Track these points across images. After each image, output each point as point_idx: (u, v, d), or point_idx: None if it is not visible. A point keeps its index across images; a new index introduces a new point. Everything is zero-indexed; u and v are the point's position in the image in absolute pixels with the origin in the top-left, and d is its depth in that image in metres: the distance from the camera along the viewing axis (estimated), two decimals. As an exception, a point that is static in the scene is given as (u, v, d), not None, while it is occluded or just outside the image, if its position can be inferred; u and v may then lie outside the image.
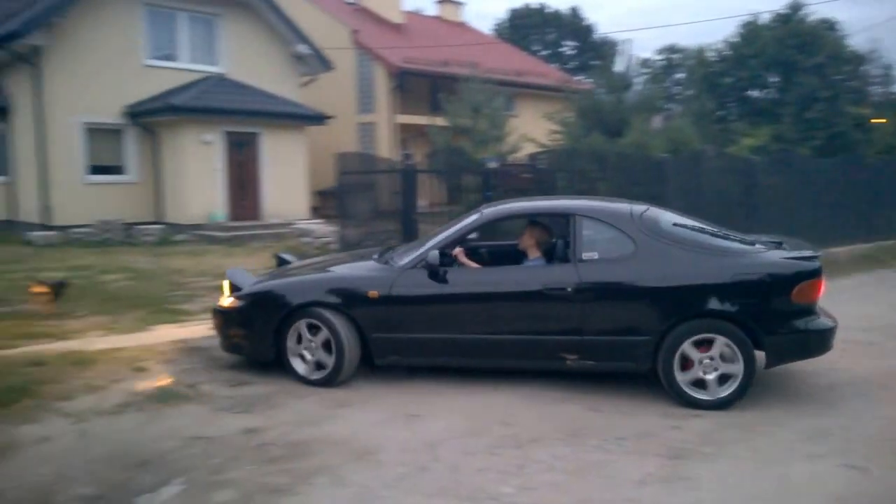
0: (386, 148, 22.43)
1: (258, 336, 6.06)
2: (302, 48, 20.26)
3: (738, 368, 5.28)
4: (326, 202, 19.74)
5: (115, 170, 17.93)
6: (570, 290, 5.45)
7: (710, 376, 5.33)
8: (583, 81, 29.55)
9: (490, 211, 6.27)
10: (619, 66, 14.21)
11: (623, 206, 5.93)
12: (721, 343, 5.28)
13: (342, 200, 10.86)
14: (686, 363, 5.35)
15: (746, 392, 5.35)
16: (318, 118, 19.22)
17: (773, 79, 34.90)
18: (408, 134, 23.61)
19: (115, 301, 9.45)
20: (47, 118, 16.79)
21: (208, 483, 4.14)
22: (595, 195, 9.85)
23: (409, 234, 8.83)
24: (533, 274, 5.81)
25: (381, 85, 23.11)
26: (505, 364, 5.88)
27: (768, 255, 5.49)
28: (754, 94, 36.49)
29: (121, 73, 17.45)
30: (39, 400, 5.36)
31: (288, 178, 18.42)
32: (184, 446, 4.63)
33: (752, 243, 5.72)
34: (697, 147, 12.87)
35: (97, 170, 17.57)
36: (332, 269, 6.53)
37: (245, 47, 19.62)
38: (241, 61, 19.46)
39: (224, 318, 6.31)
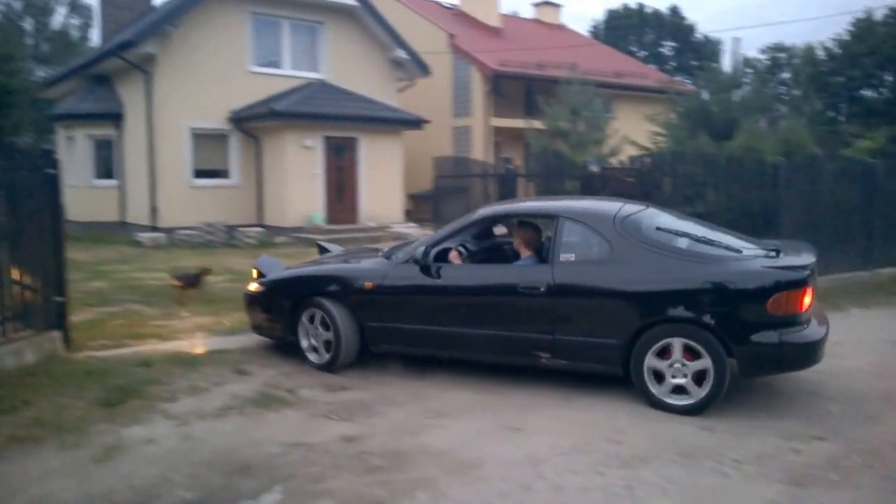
0: (480, 151, 22.29)
1: (276, 320, 6.68)
2: (400, 53, 20.40)
3: (708, 376, 5.21)
4: (420, 206, 19.77)
5: (219, 174, 18.54)
6: (542, 289, 5.58)
7: (681, 380, 5.31)
8: (684, 82, 28.57)
9: (483, 211, 6.67)
10: (726, 64, 13.55)
11: (609, 209, 5.92)
12: (695, 350, 5.24)
13: (438, 204, 10.77)
14: (657, 368, 5.35)
15: (718, 397, 5.25)
16: (415, 122, 19.29)
17: (889, 77, 32.74)
18: (502, 137, 23.41)
19: (219, 302, 9.65)
20: (156, 124, 17.53)
21: (308, 492, 4.06)
22: (703, 201, 9.40)
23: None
24: (512, 272, 5.95)
25: (477, 88, 23.00)
26: (483, 358, 6.11)
27: (746, 263, 5.34)
28: (867, 93, 34.32)
29: (227, 80, 18.03)
30: (145, 401, 5.46)
31: (384, 182, 18.55)
32: (284, 452, 4.58)
33: (740, 250, 5.52)
34: (812, 150, 12.11)
35: (202, 174, 18.21)
36: (344, 261, 7.00)
37: (345, 53, 19.93)
38: (342, 67, 19.77)
39: (250, 301, 7.01)
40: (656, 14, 52.79)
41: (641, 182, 9.48)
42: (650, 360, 5.34)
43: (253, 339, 7.41)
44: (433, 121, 21.32)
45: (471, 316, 5.97)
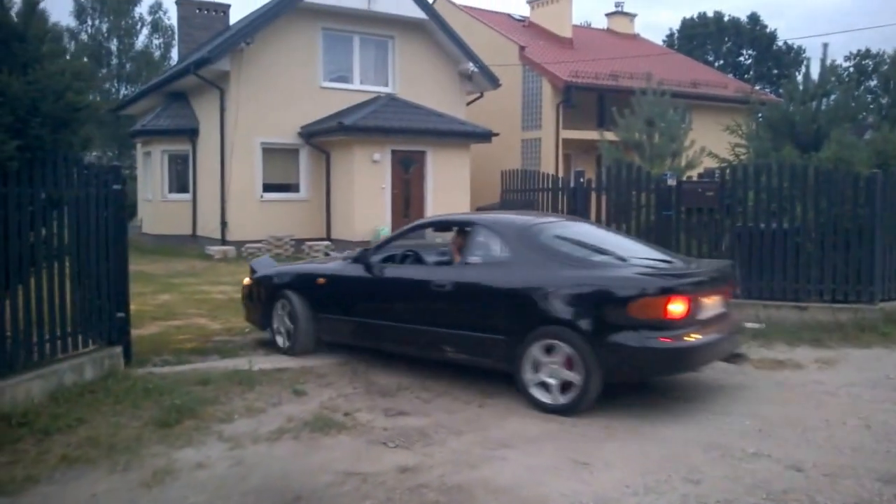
0: (550, 164, 21.87)
1: (257, 310, 7.82)
2: (470, 66, 20.25)
3: (578, 377, 5.41)
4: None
5: (288, 188, 18.72)
6: (448, 287, 6.12)
7: (553, 380, 5.52)
8: (766, 91, 27.48)
9: (419, 221, 7.54)
10: (812, 71, 12.80)
11: (519, 220, 6.52)
12: (564, 350, 5.46)
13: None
14: (536, 366, 5.61)
15: (584, 400, 5.41)
16: (484, 135, 19.05)
17: None
18: (574, 150, 22.92)
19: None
20: (228, 139, 17.83)
21: (359, 529, 3.80)
22: (789, 216, 8.80)
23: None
24: (429, 272, 6.53)
25: (547, 100, 22.60)
26: (407, 351, 6.70)
27: (619, 269, 5.66)
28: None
29: (298, 95, 18.22)
30: (201, 421, 5.33)
31: (451, 195, 18.34)
32: (337, 482, 4.33)
33: (625, 259, 5.84)
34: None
35: (271, 188, 18.42)
36: (317, 261, 8.22)
37: (414, 67, 19.90)
38: (411, 81, 19.74)
39: (244, 294, 8.21)
40: (734, 22, 51.20)
41: (721, 196, 8.95)
42: (533, 357, 5.63)
43: (314, 357, 7.26)
44: (502, 133, 21.04)
45: (396, 311, 6.63)
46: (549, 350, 5.56)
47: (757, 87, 31.72)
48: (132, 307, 10.55)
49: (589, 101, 22.86)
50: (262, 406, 5.73)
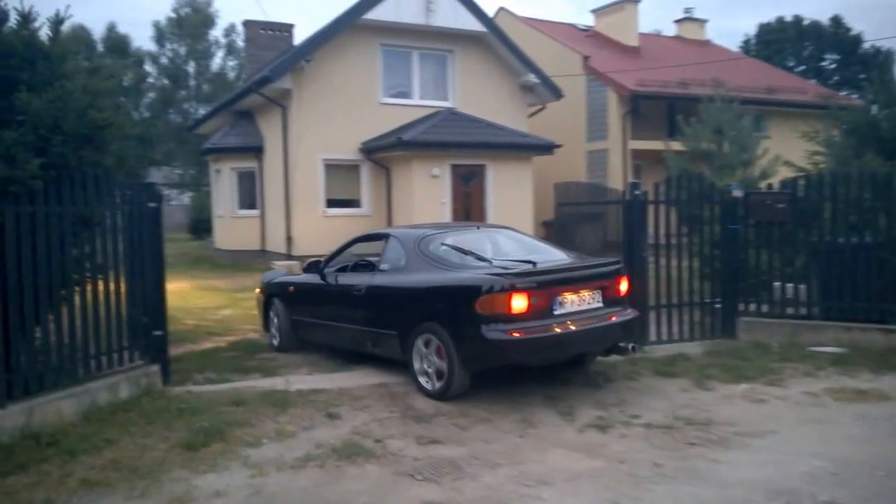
0: (618, 175, 21.22)
1: (262, 316, 9.09)
2: (531, 78, 19.86)
3: (445, 366, 6.12)
4: (551, 233, 18.98)
5: (350, 203, 18.70)
6: (364, 291, 7.12)
7: (431, 369, 6.29)
8: (849, 97, 26.11)
9: (354, 236, 8.23)
10: (898, 74, 11.90)
11: (418, 231, 7.31)
12: (436, 342, 6.21)
13: (560, 232, 10.00)
14: (421, 357, 6.40)
15: (452, 386, 6.09)
16: (546, 147, 18.61)
17: None
18: (642, 161, 22.19)
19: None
20: (291, 155, 17.97)
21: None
22: (872, 229, 8.09)
23: (634, 269, 7.78)
24: (356, 279, 7.40)
25: (613, 110, 21.99)
26: (346, 346, 7.66)
27: (471, 271, 6.30)
28: None
29: (358, 112, 18.21)
30: (228, 445, 5.14)
31: (513, 209, 17.93)
32: (356, 518, 4.05)
33: (490, 261, 6.46)
34: None
35: (334, 203, 18.43)
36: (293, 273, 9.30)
37: (474, 80, 19.66)
38: (470, 94, 19.51)
39: (256, 304, 9.49)
40: (815, 26, 49.10)
41: (795, 208, 8.30)
42: (419, 349, 6.42)
43: (353, 377, 7.04)
44: (566, 145, 20.54)
45: (335, 312, 7.67)
46: (427, 343, 6.35)
47: (842, 93, 30.18)
48: (193, 322, 10.80)
49: (658, 111, 22.14)
50: (293, 430, 5.51)
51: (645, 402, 6.18)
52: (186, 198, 42.70)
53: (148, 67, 47.41)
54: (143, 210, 6.17)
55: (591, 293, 6.29)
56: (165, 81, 47.30)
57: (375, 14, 17.99)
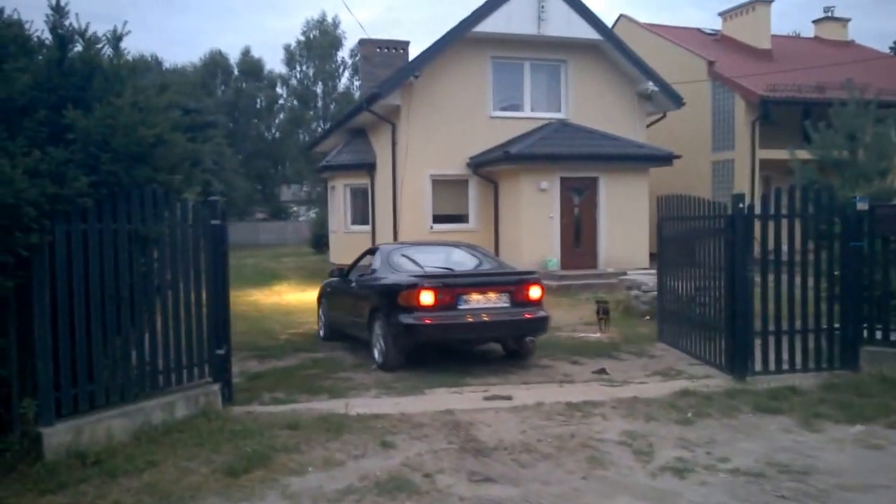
0: (745, 187, 19.77)
1: (317, 313, 11.05)
2: (650, 86, 18.92)
3: (384, 345, 8.16)
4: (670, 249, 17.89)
5: (457, 218, 18.48)
6: (353, 289, 9.32)
7: (378, 347, 8.26)
8: None
9: (366, 250, 10.39)
10: None
11: (392, 245, 10.10)
12: (381, 326, 8.18)
13: (662, 249, 9.24)
14: (376, 339, 8.30)
15: (388, 360, 8.07)
16: (663, 158, 17.62)
17: None
18: (772, 172, 20.57)
19: (413, 353, 9.13)
20: (400, 172, 17.99)
21: None
22: None
23: (737, 290, 6.98)
24: (353, 280, 9.54)
25: (741, 118, 20.55)
26: (348, 332, 9.67)
27: (404, 274, 8.29)
28: None
29: (467, 126, 18.00)
30: (270, 472, 4.91)
31: (628, 224, 17.08)
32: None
33: (423, 267, 8.45)
34: None
35: (441, 219, 18.28)
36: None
37: (589, 90, 18.97)
38: (583, 104, 18.84)
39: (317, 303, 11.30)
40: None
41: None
42: (375, 331, 8.34)
43: (417, 403, 6.69)
44: (690, 156, 19.43)
45: (343, 305, 9.75)
46: (378, 327, 8.26)
47: None
48: (285, 338, 10.85)
49: (792, 117, 20.47)
50: (342, 458, 5.21)
51: (738, 442, 5.43)
52: (313, 214, 44.27)
53: (279, 89, 49.73)
54: (205, 227, 6.12)
55: (497, 295, 8.10)
56: (295, 102, 49.43)
57: (485, 26, 17.76)
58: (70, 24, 5.38)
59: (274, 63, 77.21)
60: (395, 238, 18.12)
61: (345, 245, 21.22)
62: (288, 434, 5.66)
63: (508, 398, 6.70)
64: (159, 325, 5.77)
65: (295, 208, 52.57)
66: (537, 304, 8.29)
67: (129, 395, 5.45)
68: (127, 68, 5.39)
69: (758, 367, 7.16)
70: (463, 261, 9.10)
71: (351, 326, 9.38)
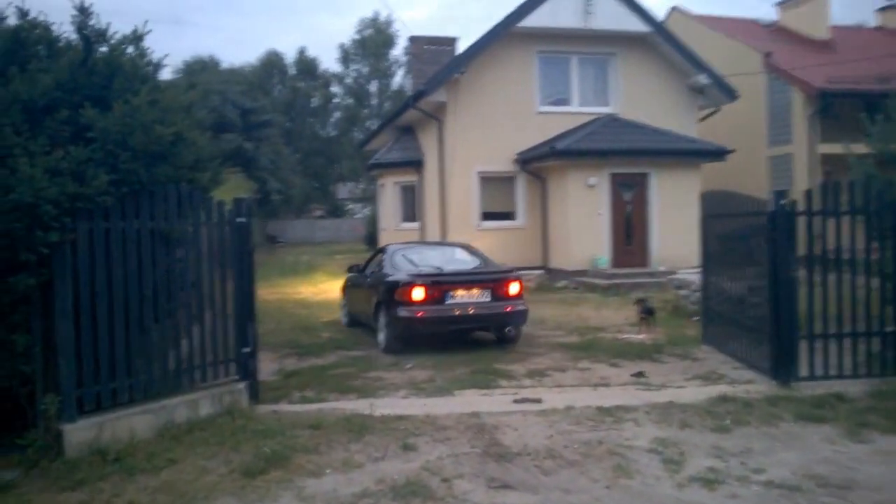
0: (803, 183, 19.02)
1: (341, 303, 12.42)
2: (702, 79, 18.37)
3: (386, 331, 9.30)
4: (727, 246, 17.30)
5: (504, 216, 18.28)
6: (369, 283, 10.29)
7: (381, 334, 9.45)
8: None
9: (377, 249, 12.13)
10: None
11: (398, 245, 11.21)
12: (384, 316, 9.31)
13: (706, 247, 8.90)
14: (381, 325, 9.43)
15: (388, 343, 9.22)
16: (716, 153, 17.07)
17: None
18: (833, 166, 19.72)
19: (454, 353, 9.03)
20: (447, 168, 17.89)
21: None
22: None
23: (780, 291, 6.64)
24: (369, 275, 10.60)
25: (798, 111, 19.76)
26: (362, 321, 10.83)
27: (401, 273, 9.42)
28: None
29: (514, 122, 17.79)
30: (287, 473, 4.86)
31: (679, 221, 16.52)
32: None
33: (418, 265, 9.79)
34: None
35: (489, 216, 18.11)
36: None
37: (638, 84, 18.53)
38: (633, 98, 18.41)
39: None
40: None
41: None
42: (380, 319, 9.43)
43: (447, 404, 6.56)
44: (746, 150, 18.83)
45: (357, 297, 10.97)
46: (382, 316, 9.36)
47: None
48: (329, 335, 10.86)
49: (855, 111, 19.58)
50: (362, 460, 5.12)
51: (775, 452, 5.14)
52: (367, 211, 44.57)
53: (334, 88, 50.23)
54: (231, 225, 6.12)
55: (480, 291, 9.21)
56: (350, 101, 49.84)
57: (531, 21, 17.52)
58: (94, 24, 5.42)
59: (329, 62, 78.10)
60: (444, 236, 18.06)
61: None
62: (309, 434, 5.61)
63: (538, 401, 6.52)
64: (184, 323, 5.78)
65: (351, 206, 53.07)
66: (517, 298, 9.39)
67: (153, 393, 5.48)
68: (147, 67, 5.40)
69: (803, 372, 6.78)
70: (455, 260, 10.30)
71: (364, 315, 10.50)
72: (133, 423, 5.26)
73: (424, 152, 20.16)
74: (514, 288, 9.36)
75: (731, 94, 18.67)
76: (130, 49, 5.43)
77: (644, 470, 4.86)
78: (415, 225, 20.68)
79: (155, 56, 5.61)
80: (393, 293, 8.99)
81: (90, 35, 5.41)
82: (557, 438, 5.53)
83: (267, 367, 8.53)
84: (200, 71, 42.06)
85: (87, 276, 5.03)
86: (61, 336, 4.88)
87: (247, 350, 6.26)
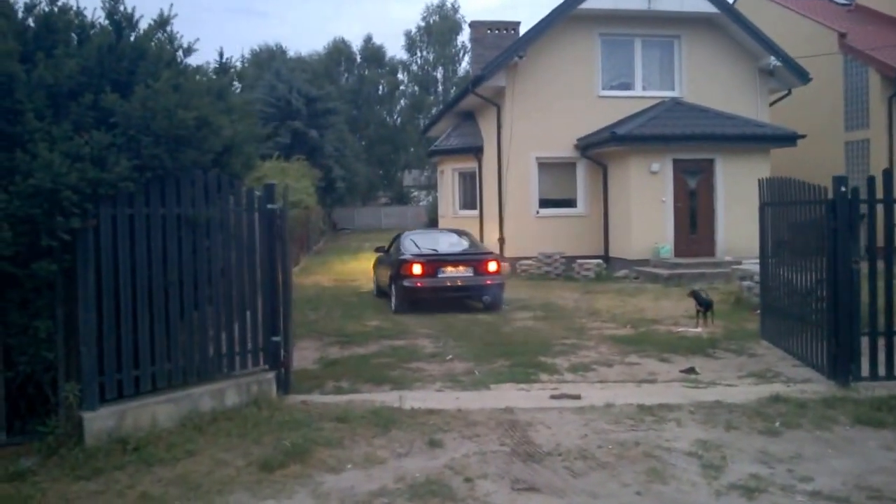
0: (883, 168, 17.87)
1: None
2: (772, 61, 17.45)
3: (396, 297, 12.19)
4: (797, 236, 16.43)
5: (564, 203, 17.86)
6: (389, 261, 12.87)
7: (394, 299, 12.27)
8: None
9: (396, 235, 13.73)
10: None
11: (410, 231, 14.04)
12: (395, 286, 12.15)
13: (764, 237, 8.38)
14: (394, 292, 12.23)
15: (395, 306, 12.02)
16: (786, 138, 16.20)
17: None
18: (919, 151, 18.52)
19: (493, 344, 8.79)
20: (504, 155, 17.56)
21: None
22: None
23: (840, 283, 6.15)
24: (390, 254, 13.15)
25: (876, 94, 18.55)
26: (387, 292, 12.92)
27: (407, 253, 12.04)
28: None
29: (574, 107, 17.31)
30: (306, 468, 4.73)
31: (747, 209, 15.63)
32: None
33: (420, 248, 12.35)
34: None
35: (547, 203, 17.73)
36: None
37: (704, 67, 17.76)
38: (698, 82, 17.66)
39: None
40: None
41: None
42: (392, 289, 12.12)
43: (482, 398, 6.34)
44: (818, 135, 17.79)
45: (382, 272, 13.33)
46: (393, 287, 11.97)
47: None
48: (376, 323, 10.77)
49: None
50: (385, 456, 4.95)
51: (827, 459, 4.73)
52: (430, 198, 44.58)
53: (400, 75, 50.26)
54: (261, 212, 6.02)
55: (465, 268, 11.82)
56: (415, 88, 49.82)
57: (592, 3, 17.01)
58: (123, 9, 5.38)
59: (395, 49, 78.31)
60: (501, 225, 17.80)
61: (453, 230, 21.07)
62: (334, 427, 5.47)
63: (577, 397, 6.21)
64: (210, 310, 5.72)
65: (415, 193, 53.22)
66: (495, 274, 11.98)
67: (177, 382, 5.43)
68: (176, 52, 5.32)
69: (864, 371, 6.26)
70: (451, 244, 12.90)
71: (384, 286, 12.96)
72: (155, 411, 5.22)
73: (483, 138, 19.83)
74: (492, 266, 11.95)
75: (802, 76, 17.70)
76: (159, 34, 5.37)
77: (680, 475, 4.53)
78: (474, 212, 20.35)
79: (185, 41, 5.53)
80: (400, 268, 11.74)
81: (120, 20, 5.36)
82: (592, 438, 5.24)
83: (311, 355, 8.50)
84: (268, 60, 42.66)
85: (111, 263, 4.99)
86: (83, 323, 4.86)
87: (276, 339, 6.17)
